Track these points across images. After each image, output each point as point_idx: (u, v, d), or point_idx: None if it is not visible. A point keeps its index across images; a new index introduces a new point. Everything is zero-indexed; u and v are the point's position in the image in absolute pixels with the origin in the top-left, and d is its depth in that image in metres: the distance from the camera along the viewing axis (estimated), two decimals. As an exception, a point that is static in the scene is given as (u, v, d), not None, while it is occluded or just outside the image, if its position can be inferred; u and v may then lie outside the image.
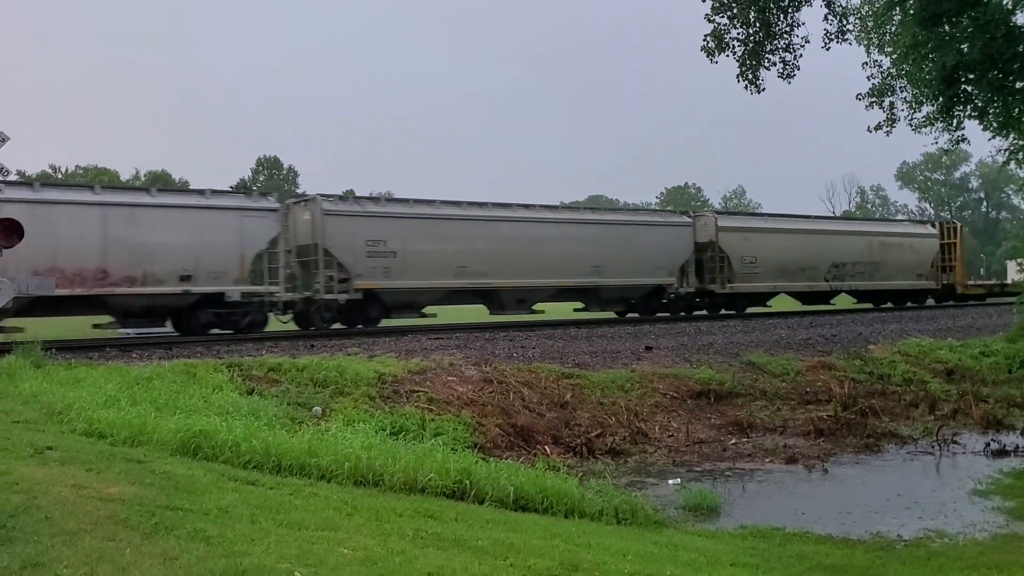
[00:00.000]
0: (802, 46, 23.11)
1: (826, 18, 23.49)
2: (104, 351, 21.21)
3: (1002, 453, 18.22)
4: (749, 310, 39.66)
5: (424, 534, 8.51)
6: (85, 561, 6.07)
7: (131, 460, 10.17)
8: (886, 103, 26.24)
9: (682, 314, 37.24)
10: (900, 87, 25.84)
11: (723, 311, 38.78)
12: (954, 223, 50.51)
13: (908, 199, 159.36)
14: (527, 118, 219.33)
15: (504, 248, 31.84)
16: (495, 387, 18.82)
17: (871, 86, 26.63)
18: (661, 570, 8.51)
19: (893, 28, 24.50)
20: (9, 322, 23.44)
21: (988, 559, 11.19)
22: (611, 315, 37.20)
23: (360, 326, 29.62)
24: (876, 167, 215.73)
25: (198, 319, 26.36)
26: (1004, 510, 14.04)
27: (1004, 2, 20.22)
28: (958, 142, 25.71)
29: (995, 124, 22.78)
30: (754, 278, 38.42)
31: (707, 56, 22.91)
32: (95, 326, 26.17)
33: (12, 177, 21.79)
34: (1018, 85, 20.86)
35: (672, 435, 18.84)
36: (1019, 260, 51.16)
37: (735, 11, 22.44)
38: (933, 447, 18.81)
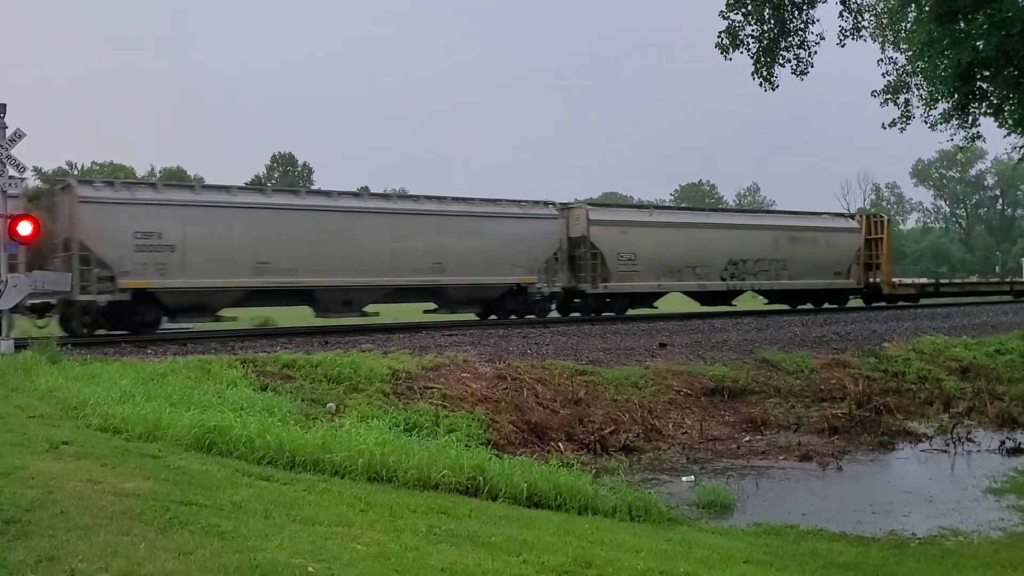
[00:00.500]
0: (817, 43, 23.03)
1: (841, 15, 23.40)
2: (119, 347, 21.29)
3: (1017, 451, 18.18)
4: (653, 313, 36.18)
5: (437, 530, 8.52)
6: (100, 555, 6.10)
7: (146, 455, 10.21)
8: (901, 100, 26.18)
9: (550, 317, 33.53)
10: (915, 84, 25.77)
11: (600, 313, 34.89)
12: (880, 216, 45.63)
13: (923, 196, 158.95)
14: (546, 117, 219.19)
15: (321, 242, 27.73)
16: (509, 384, 18.82)
17: (886, 83, 26.57)
18: (674, 567, 8.50)
19: (908, 25, 24.43)
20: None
21: (1003, 557, 11.16)
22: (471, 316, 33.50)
23: (129, 332, 25.22)
24: (891, 164, 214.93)
25: None
26: (1019, 508, 14.00)
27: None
28: (973, 139, 25.65)
29: (1011, 121, 22.72)
30: (633, 276, 34.76)
31: (721, 53, 22.85)
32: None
33: (28, 173, 21.83)
34: (1034, 82, 20.78)
35: (686, 432, 18.82)
36: None
37: (750, 8, 22.37)
38: (948, 445, 18.77)
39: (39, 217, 21.03)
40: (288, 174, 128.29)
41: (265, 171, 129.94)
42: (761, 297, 42.18)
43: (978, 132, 24.83)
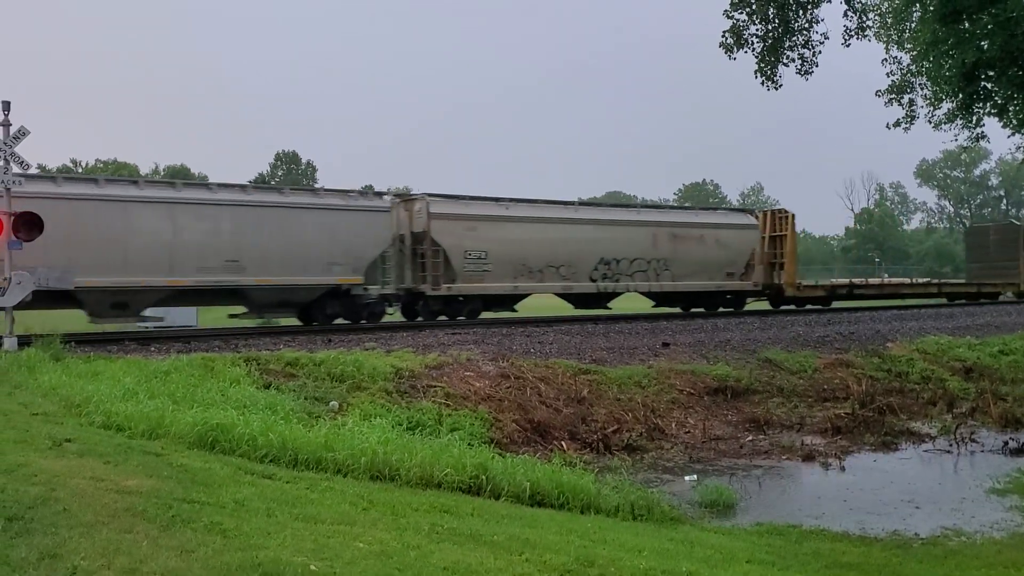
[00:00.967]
0: (821, 42, 23.03)
1: (845, 14, 23.39)
2: (123, 344, 21.30)
3: (1020, 452, 18.17)
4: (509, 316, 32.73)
5: (440, 529, 8.52)
6: (102, 553, 6.11)
7: (149, 453, 10.23)
8: (905, 100, 26.16)
9: (385, 320, 30.57)
10: (920, 84, 25.75)
11: (454, 317, 30.98)
12: (785, 211, 41.23)
13: (927, 196, 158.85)
14: (547, 118, 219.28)
15: (80, 237, 23.37)
16: (512, 382, 18.82)
17: (890, 83, 26.56)
18: (677, 566, 8.49)
19: (913, 24, 24.41)
20: None
21: (1006, 558, 11.15)
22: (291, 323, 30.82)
23: None
24: (895, 164, 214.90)
25: None
26: (1022, 509, 13.99)
27: (1024, -1, 20.11)
28: (978, 139, 25.64)
29: (1015, 121, 22.70)
30: (485, 277, 31.04)
31: (726, 52, 22.85)
32: None
33: (33, 170, 21.84)
34: (1039, 82, 20.77)
35: (689, 432, 18.81)
36: None
37: (754, 7, 22.36)
38: (951, 445, 18.75)
39: None
40: (292, 172, 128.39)
41: (269, 169, 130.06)
42: (649, 300, 38.32)
43: (982, 132, 24.83)
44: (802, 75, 23.36)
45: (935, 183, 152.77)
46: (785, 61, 22.97)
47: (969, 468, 17.19)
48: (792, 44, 22.87)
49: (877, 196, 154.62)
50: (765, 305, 40.55)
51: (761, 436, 19.03)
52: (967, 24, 20.96)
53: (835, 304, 41.84)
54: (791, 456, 17.52)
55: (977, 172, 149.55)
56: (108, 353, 19.20)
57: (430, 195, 31.82)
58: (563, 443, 16.92)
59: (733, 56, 22.84)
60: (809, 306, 41.07)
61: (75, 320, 25.41)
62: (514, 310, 33.27)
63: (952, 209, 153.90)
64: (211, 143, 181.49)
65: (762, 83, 23.22)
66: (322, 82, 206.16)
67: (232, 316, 29.61)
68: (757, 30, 22.67)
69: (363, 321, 28.56)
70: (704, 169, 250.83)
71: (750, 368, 22.69)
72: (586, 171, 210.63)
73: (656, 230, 35.46)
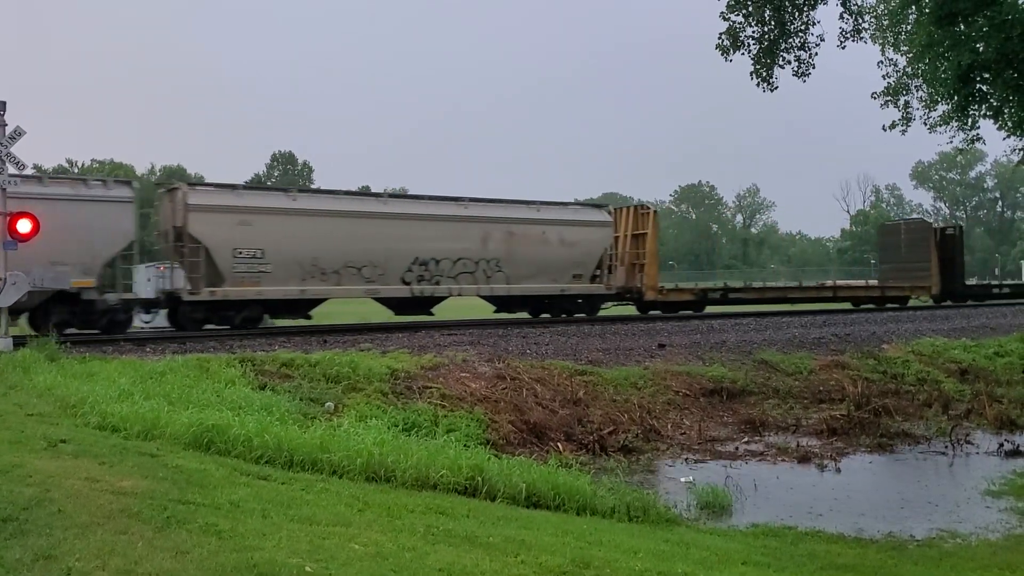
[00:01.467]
0: (817, 44, 23.03)
1: (841, 16, 23.41)
2: (118, 345, 21.27)
3: (1016, 453, 18.15)
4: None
5: (435, 530, 8.52)
6: (97, 554, 6.10)
7: (144, 454, 10.22)
8: (901, 102, 26.22)
9: (136, 329, 27.24)
10: (915, 86, 25.80)
11: (233, 325, 26.66)
12: (647, 207, 37.49)
13: (923, 198, 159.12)
14: (546, 119, 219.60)
15: None
16: (508, 384, 18.81)
17: (886, 85, 26.61)
18: (672, 568, 8.49)
19: (908, 27, 24.46)
20: None
21: (1001, 560, 11.16)
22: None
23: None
24: (891, 166, 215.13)
25: None
26: (1017, 510, 13.99)
27: (1020, 1, 20.14)
28: (973, 141, 25.67)
29: (1010, 123, 22.73)
30: (261, 280, 26.55)
31: (722, 54, 22.84)
32: None
33: (29, 171, 21.80)
34: (1034, 84, 20.80)
35: (685, 433, 18.82)
36: None
37: (750, 9, 22.37)
38: (946, 447, 18.76)
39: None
40: (288, 173, 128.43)
41: (265, 170, 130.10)
42: (490, 304, 33.51)
43: (978, 134, 24.86)
44: (798, 77, 23.37)
45: (931, 185, 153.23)
46: (781, 63, 22.98)
47: (964, 470, 17.19)
48: (788, 46, 22.87)
49: (873, 198, 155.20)
50: (631, 310, 36.91)
51: (757, 437, 19.03)
52: (963, 26, 20.99)
53: (709, 309, 38.16)
54: (787, 457, 17.52)
55: (973, 174, 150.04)
56: (103, 354, 19.19)
57: (192, 183, 28.88)
58: (559, 444, 16.91)
59: (729, 58, 22.85)
60: (683, 312, 37.16)
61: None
62: (308, 317, 28.55)
63: (948, 211, 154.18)
64: (210, 143, 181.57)
65: (758, 85, 23.24)
66: (321, 82, 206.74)
67: None
68: (753, 32, 22.68)
69: (98, 332, 24.43)
70: (701, 171, 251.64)
71: (746, 369, 22.70)
72: (585, 172, 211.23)
73: (487, 227, 31.16)
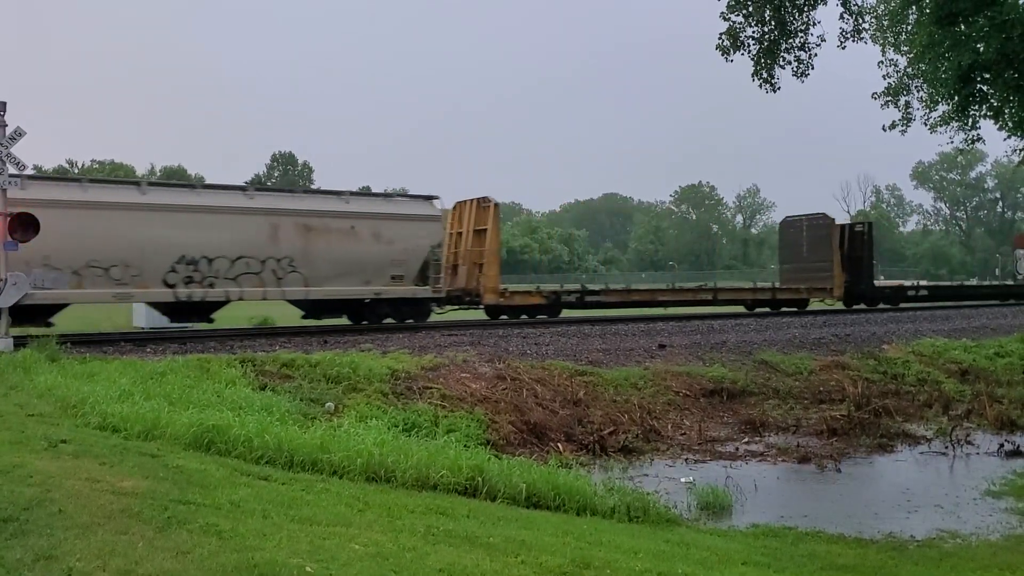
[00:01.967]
0: (817, 45, 23.05)
1: (842, 17, 23.43)
2: (119, 345, 21.27)
3: (1016, 454, 18.15)
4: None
5: (436, 531, 8.52)
6: (98, 554, 6.10)
7: (144, 454, 10.22)
8: (902, 102, 26.24)
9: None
10: (916, 86, 25.81)
11: None
12: (488, 200, 32.19)
13: (924, 199, 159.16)
14: (551, 120, 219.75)
15: None
16: (508, 384, 18.82)
17: (887, 85, 26.62)
18: (672, 568, 8.49)
19: (909, 27, 24.47)
20: None
21: (1001, 560, 11.15)
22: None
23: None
24: (891, 167, 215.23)
25: None
26: (1017, 511, 13.99)
27: (1020, 2, 20.15)
28: (973, 141, 25.67)
29: (1011, 123, 22.74)
30: None
31: (722, 54, 22.87)
32: None
33: (29, 171, 21.78)
34: (1034, 85, 20.80)
35: (685, 433, 18.81)
36: None
37: (750, 9, 22.39)
38: (946, 447, 18.75)
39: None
40: (288, 173, 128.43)
41: (265, 170, 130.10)
42: (298, 308, 29.16)
43: (978, 134, 24.87)
44: (798, 77, 23.39)
45: (931, 185, 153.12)
46: (782, 63, 23.00)
47: (965, 470, 17.19)
48: (788, 46, 22.90)
49: (873, 198, 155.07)
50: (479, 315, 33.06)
51: (757, 438, 19.03)
52: (963, 27, 20.99)
53: (566, 313, 34.29)
54: (787, 458, 17.51)
55: (973, 174, 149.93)
56: (104, 354, 19.18)
57: None
58: (559, 445, 16.92)
59: (730, 58, 22.87)
60: (540, 316, 32.97)
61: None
62: (49, 324, 23.59)
63: (948, 211, 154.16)
64: (210, 143, 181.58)
65: (760, 86, 23.25)
66: (322, 82, 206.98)
67: None
68: (753, 32, 22.71)
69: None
70: (701, 171, 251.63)
71: (746, 370, 22.70)
72: (585, 172, 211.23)
73: (277, 220, 26.46)
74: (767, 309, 40.38)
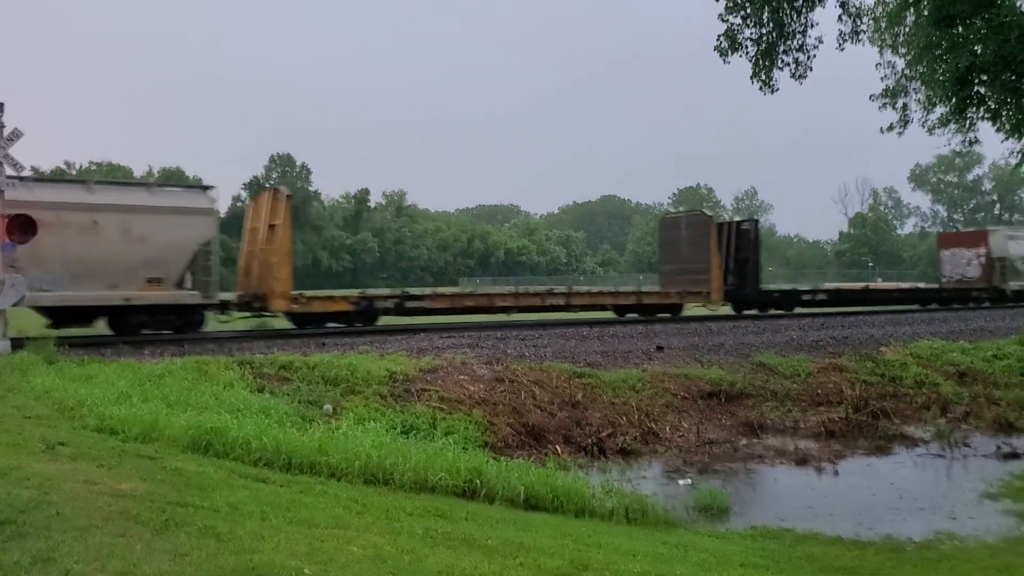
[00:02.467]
0: (816, 46, 23.03)
1: (840, 18, 23.41)
2: (116, 348, 21.25)
3: (1013, 456, 18.16)
4: None
5: (434, 533, 8.52)
6: (95, 557, 6.09)
7: (142, 456, 10.21)
8: (899, 104, 26.20)
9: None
10: (913, 88, 25.79)
11: None
12: (281, 190, 28.39)
13: (921, 201, 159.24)
14: (544, 122, 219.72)
15: None
16: (507, 386, 18.82)
17: (884, 87, 26.59)
18: (671, 570, 8.50)
19: (907, 29, 24.45)
20: None
21: (999, 562, 11.16)
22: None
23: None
24: (889, 169, 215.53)
25: None
26: (1015, 513, 14.00)
27: (1019, 4, 20.15)
28: (971, 144, 25.61)
29: (1008, 126, 22.69)
30: None
31: (720, 56, 22.83)
32: None
33: (27, 172, 21.80)
34: (1032, 87, 20.79)
35: (683, 435, 18.81)
36: None
37: (748, 11, 22.37)
38: (944, 450, 18.76)
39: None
40: (286, 175, 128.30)
41: (264, 171, 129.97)
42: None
43: (976, 136, 24.82)
44: (796, 79, 23.37)
45: (929, 188, 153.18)
46: (780, 65, 22.98)
47: (962, 472, 17.20)
48: (787, 48, 22.87)
49: (871, 200, 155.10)
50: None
51: (755, 440, 19.03)
52: (961, 29, 20.97)
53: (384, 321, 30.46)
54: (785, 460, 17.52)
55: (971, 177, 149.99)
56: (101, 356, 19.16)
57: None
58: (557, 447, 16.92)
59: (728, 60, 22.85)
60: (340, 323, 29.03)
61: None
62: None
63: (946, 214, 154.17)
64: (208, 144, 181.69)
65: (760, 88, 23.24)
66: (319, 83, 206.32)
67: None
68: (751, 34, 22.68)
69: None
70: (699, 173, 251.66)
71: (744, 372, 22.70)
72: (583, 174, 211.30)
73: None
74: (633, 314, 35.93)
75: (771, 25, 22.53)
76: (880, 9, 26.05)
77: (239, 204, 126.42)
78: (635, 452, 17.44)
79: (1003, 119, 22.31)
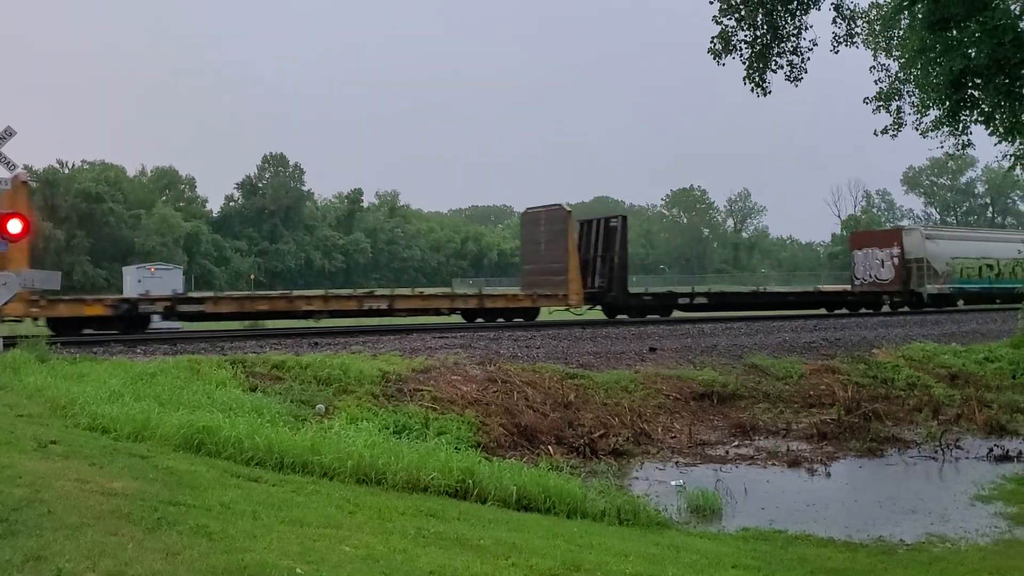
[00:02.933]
0: (810, 49, 23.10)
1: (834, 21, 23.48)
2: (109, 346, 21.23)
3: (1005, 458, 18.17)
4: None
5: (426, 533, 8.52)
6: (87, 555, 6.08)
7: (134, 455, 10.19)
8: (893, 107, 26.28)
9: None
10: (907, 91, 25.86)
11: None
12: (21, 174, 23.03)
13: (914, 203, 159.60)
14: (541, 122, 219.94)
15: None
16: (499, 386, 18.81)
17: (878, 90, 26.66)
18: (662, 571, 8.50)
19: (901, 32, 24.53)
20: None
21: (990, 564, 11.17)
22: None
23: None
24: (882, 171, 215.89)
25: None
26: (1006, 515, 14.01)
27: (1012, 8, 20.22)
28: (964, 147, 25.69)
29: (1001, 129, 22.79)
30: None
31: (714, 58, 22.92)
32: None
33: (20, 171, 21.75)
34: (1025, 90, 20.87)
35: (675, 436, 18.81)
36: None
37: (742, 13, 22.43)
38: (936, 452, 18.76)
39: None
40: (279, 175, 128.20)
41: (256, 171, 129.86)
42: None
43: (969, 140, 24.90)
44: (791, 81, 23.43)
45: (922, 190, 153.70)
46: (774, 67, 23.04)
47: (954, 474, 17.21)
48: (781, 50, 22.94)
49: (864, 203, 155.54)
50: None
51: (747, 441, 19.04)
52: (955, 32, 21.05)
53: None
54: (777, 462, 17.52)
55: (963, 179, 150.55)
56: (94, 355, 19.14)
57: None
58: (550, 447, 16.91)
59: (722, 62, 22.90)
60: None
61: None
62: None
63: (938, 216, 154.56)
64: (205, 145, 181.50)
65: (752, 90, 23.28)
66: (316, 83, 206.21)
67: None
68: (746, 36, 22.74)
69: None
70: (692, 175, 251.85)
71: (736, 373, 22.72)
72: (577, 175, 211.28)
73: None
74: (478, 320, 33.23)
75: (765, 27, 22.61)
76: (874, 12, 26.14)
77: (231, 204, 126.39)
78: (627, 453, 17.45)
79: (996, 122, 22.40)
